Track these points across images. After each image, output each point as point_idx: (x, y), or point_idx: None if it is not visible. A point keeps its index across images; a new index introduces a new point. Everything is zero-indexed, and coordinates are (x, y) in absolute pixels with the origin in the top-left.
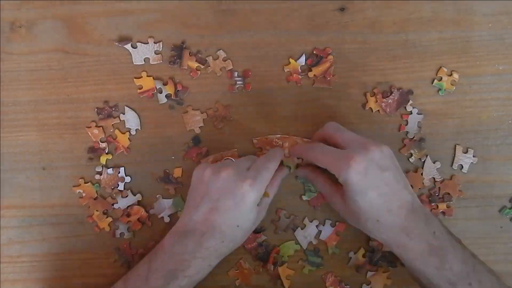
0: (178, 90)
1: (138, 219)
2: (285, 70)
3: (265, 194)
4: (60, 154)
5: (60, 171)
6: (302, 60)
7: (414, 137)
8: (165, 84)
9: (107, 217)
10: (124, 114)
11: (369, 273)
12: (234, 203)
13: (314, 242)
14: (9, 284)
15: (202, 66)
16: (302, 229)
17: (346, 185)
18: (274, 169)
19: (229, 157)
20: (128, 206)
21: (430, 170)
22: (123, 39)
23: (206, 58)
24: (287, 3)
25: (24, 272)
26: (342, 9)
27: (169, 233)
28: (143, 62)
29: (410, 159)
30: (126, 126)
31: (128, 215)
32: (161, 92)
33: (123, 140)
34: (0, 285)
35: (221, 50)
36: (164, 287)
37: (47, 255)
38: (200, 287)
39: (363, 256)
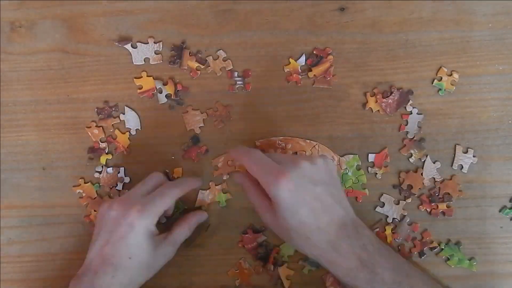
0: (178, 90)
1: None
2: (285, 70)
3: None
4: (60, 154)
5: (60, 171)
6: (302, 60)
7: (414, 137)
8: (165, 84)
9: None
10: (124, 114)
11: None
12: (125, 232)
13: None
14: (9, 284)
15: (202, 66)
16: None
17: (276, 201)
18: (173, 196)
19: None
20: None
21: (430, 170)
22: (123, 39)
23: (206, 58)
24: (287, 3)
25: (24, 272)
26: (342, 9)
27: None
28: (143, 62)
29: (410, 159)
30: (126, 126)
31: None
32: (161, 92)
33: (123, 140)
34: (0, 285)
35: (221, 50)
36: None
37: (47, 255)
38: (200, 287)
39: None
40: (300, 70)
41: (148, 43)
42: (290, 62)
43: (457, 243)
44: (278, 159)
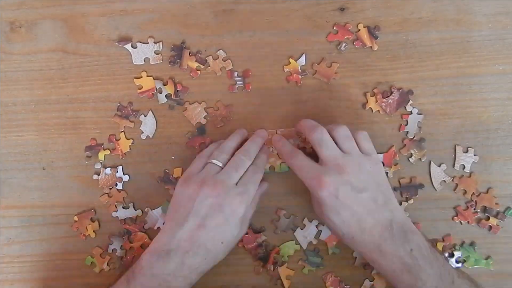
0: (178, 90)
1: (141, 246)
2: (285, 70)
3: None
4: (60, 154)
5: (60, 171)
6: (302, 60)
7: (414, 137)
8: (165, 84)
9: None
10: (145, 116)
11: (375, 271)
12: (224, 219)
13: (314, 242)
14: (9, 284)
15: (202, 66)
16: (302, 229)
17: (319, 201)
18: (259, 181)
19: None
20: (131, 234)
21: (438, 174)
22: (123, 39)
23: (206, 58)
24: (287, 3)
25: (24, 272)
26: (342, 9)
27: (147, 252)
28: (143, 62)
29: (410, 159)
30: (141, 128)
31: (131, 240)
32: (161, 92)
33: (124, 144)
34: (0, 285)
35: (221, 50)
36: None
37: (47, 255)
38: (200, 287)
39: None
40: (300, 70)
41: (148, 43)
42: (290, 62)
43: (472, 244)
44: (326, 158)
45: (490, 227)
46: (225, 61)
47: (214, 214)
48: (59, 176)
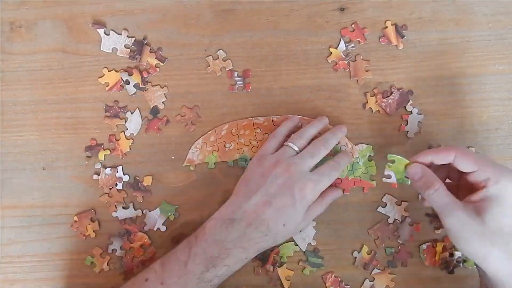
0: (144, 77)
1: (141, 246)
2: (329, 61)
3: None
4: (60, 154)
5: (60, 171)
6: (342, 46)
7: (414, 137)
8: (130, 74)
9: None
10: (132, 113)
11: (375, 270)
12: (291, 202)
13: (313, 244)
14: (9, 284)
15: (162, 64)
16: (300, 231)
17: (501, 196)
18: (335, 178)
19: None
20: (130, 234)
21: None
22: (98, 23)
23: (206, 58)
24: (287, 3)
25: (24, 272)
26: (342, 9)
27: (212, 219)
28: (111, 51)
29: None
30: (126, 124)
31: (130, 241)
32: (128, 83)
33: (124, 144)
34: (0, 285)
35: (221, 50)
36: (202, 274)
37: (47, 255)
38: None
39: (368, 253)
40: (343, 56)
41: (121, 34)
42: (331, 52)
43: None
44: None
45: None
46: (225, 61)
47: (283, 195)
48: (59, 176)
